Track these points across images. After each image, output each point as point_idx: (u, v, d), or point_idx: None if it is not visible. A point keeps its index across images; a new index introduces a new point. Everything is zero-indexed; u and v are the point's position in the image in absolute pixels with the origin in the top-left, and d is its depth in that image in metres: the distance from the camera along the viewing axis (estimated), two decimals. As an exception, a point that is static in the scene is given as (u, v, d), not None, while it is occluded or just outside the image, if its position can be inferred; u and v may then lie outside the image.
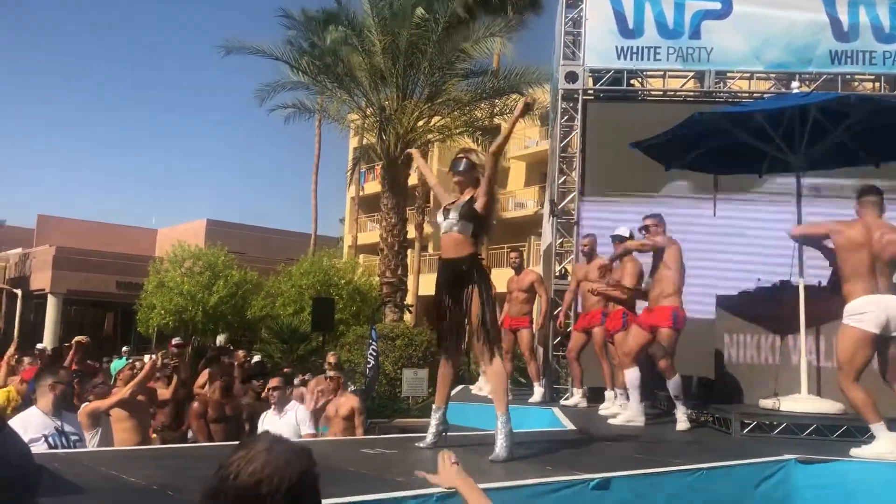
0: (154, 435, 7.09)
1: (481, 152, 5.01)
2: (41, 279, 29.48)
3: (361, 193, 34.09)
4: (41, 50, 72.13)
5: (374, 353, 11.40)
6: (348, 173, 24.61)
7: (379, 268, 19.04)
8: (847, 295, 5.07)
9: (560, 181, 9.76)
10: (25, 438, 3.64)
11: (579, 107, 9.60)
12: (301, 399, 7.39)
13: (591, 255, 8.36)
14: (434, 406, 4.98)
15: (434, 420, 4.89)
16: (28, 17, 70.39)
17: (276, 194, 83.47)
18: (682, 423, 6.50)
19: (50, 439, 4.74)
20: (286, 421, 6.48)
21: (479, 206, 4.60)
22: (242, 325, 24.34)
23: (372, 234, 34.23)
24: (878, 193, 5.30)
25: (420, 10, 16.45)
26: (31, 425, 4.70)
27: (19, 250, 32.91)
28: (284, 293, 23.30)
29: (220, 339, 25.00)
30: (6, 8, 63.00)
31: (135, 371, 6.70)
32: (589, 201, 9.46)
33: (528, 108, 4.94)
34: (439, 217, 4.79)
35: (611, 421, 6.96)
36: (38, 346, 11.97)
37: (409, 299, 21.26)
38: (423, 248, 30.74)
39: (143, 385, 6.36)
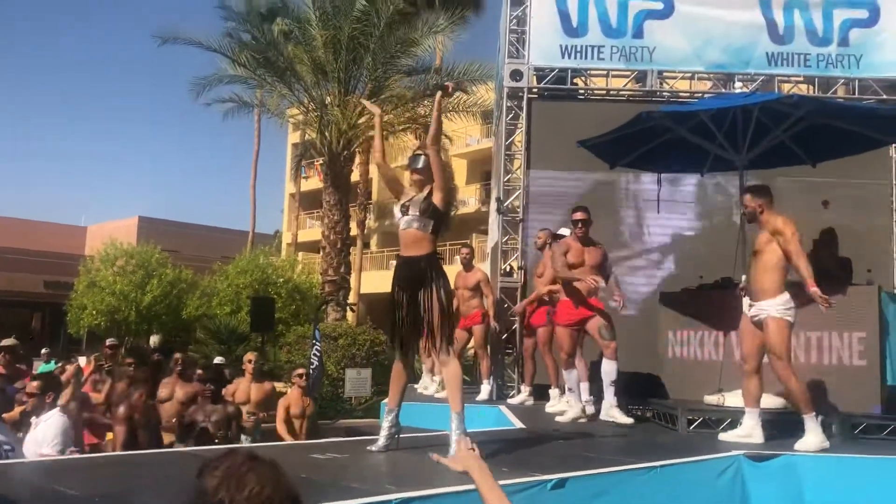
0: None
1: (443, 149, 5.05)
2: (-37, 278, 28.28)
3: (301, 190, 33.63)
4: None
5: (318, 354, 11.21)
6: (289, 170, 24.25)
7: (321, 266, 18.79)
8: (771, 288, 5.23)
9: (505, 179, 9.75)
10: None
11: (524, 105, 9.60)
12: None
13: (544, 248, 8.35)
14: (387, 408, 4.87)
15: (386, 423, 4.79)
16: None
17: (213, 191, 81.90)
18: (616, 415, 6.59)
19: (-24, 450, 4.50)
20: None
21: (436, 200, 4.60)
22: (178, 326, 23.77)
23: (312, 231, 33.85)
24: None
25: (361, 4, 16.26)
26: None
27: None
28: (221, 292, 22.83)
29: (155, 339, 24.36)
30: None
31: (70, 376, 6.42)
32: (533, 198, 9.47)
33: (445, 91, 4.94)
34: (397, 213, 4.73)
35: (558, 419, 6.96)
36: None
37: (352, 298, 21.06)
38: (366, 245, 30.51)
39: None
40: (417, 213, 4.59)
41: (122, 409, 6.33)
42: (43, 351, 11.55)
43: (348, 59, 16.71)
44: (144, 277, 22.84)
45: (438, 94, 4.84)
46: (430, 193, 4.63)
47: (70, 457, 5.43)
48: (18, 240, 29.85)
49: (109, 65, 76.33)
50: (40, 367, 8.65)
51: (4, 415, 5.46)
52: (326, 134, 17.07)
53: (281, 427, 7.80)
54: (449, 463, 2.30)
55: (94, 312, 22.29)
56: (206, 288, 23.70)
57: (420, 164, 4.70)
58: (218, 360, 9.97)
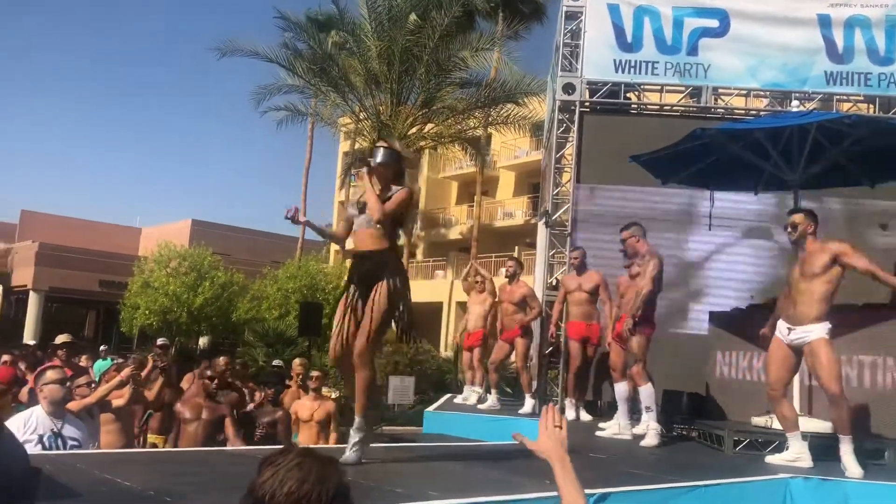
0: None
1: (401, 143, 4.68)
2: (23, 275, 29.17)
3: (349, 198, 33.96)
4: (29, 45, 71.58)
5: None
6: (338, 178, 24.53)
7: (367, 274, 18.94)
8: (819, 315, 5.17)
9: (554, 192, 9.76)
10: (20, 439, 3.56)
11: (576, 118, 9.61)
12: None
13: (581, 267, 8.33)
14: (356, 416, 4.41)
15: (354, 429, 4.36)
16: (21, 19, 69.91)
17: (263, 197, 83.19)
18: (650, 437, 6.25)
19: (45, 440, 4.64)
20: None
21: (387, 206, 4.25)
22: (227, 328, 24.17)
23: (360, 239, 34.10)
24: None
25: (414, 17, 16.45)
26: (30, 425, 4.60)
27: (1, 245, 32.55)
28: (270, 296, 23.16)
29: (203, 340, 24.80)
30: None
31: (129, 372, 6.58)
32: (583, 210, 9.45)
33: (369, 168, 4.35)
34: (352, 210, 4.46)
35: (598, 433, 6.92)
36: (29, 342, 11.69)
37: (397, 306, 21.18)
38: (412, 255, 30.69)
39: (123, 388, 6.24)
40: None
41: (185, 408, 6.44)
42: (102, 348, 11.89)
43: (401, 69, 16.89)
44: (197, 279, 23.28)
45: (364, 172, 4.37)
46: (389, 197, 4.29)
47: (132, 451, 5.60)
48: (76, 239, 30.69)
49: (164, 71, 78.25)
50: (97, 363, 8.89)
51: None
52: (377, 144, 17.23)
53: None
54: (531, 446, 2.16)
55: (147, 312, 22.79)
56: (256, 292, 24.05)
57: (381, 158, 4.34)
58: (276, 363, 10.11)
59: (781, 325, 5.40)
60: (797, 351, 5.26)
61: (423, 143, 18.73)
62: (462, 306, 25.36)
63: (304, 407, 7.39)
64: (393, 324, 4.41)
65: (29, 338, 24.21)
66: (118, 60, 75.64)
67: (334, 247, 35.85)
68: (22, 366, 8.30)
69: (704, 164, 7.37)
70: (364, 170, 4.34)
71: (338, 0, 17.31)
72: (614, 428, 6.83)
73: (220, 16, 75.91)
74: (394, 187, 4.35)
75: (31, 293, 28.48)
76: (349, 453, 4.25)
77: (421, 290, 30.30)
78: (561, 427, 2.06)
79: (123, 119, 79.44)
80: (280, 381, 8.84)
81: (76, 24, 72.39)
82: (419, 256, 33.30)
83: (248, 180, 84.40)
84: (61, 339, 8.32)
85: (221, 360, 7.22)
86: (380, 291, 4.21)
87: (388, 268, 4.29)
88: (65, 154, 79.13)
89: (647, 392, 6.29)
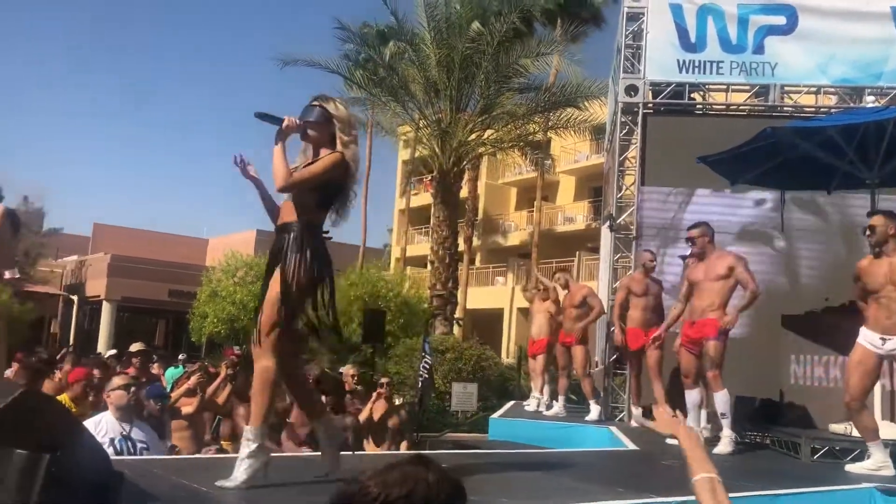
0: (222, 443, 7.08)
1: (341, 102, 3.86)
2: (96, 286, 30.15)
3: (410, 206, 34.20)
4: (98, 63, 74.19)
5: (428, 366, 11.36)
6: (399, 186, 24.68)
7: (429, 280, 19.05)
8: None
9: (618, 196, 9.63)
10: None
11: (639, 120, 9.47)
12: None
13: (649, 271, 8.24)
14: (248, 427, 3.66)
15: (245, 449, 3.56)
16: (85, 35, 72.59)
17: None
18: (724, 444, 6.06)
19: (116, 444, 4.79)
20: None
21: (301, 173, 3.63)
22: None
23: (420, 246, 34.32)
24: None
25: (476, 25, 16.48)
26: (100, 429, 4.75)
27: (75, 257, 33.75)
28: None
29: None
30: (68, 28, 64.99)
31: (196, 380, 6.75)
32: (647, 215, 9.30)
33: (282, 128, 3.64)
34: None
35: (669, 441, 6.77)
36: (111, 352, 12.06)
37: (459, 313, 21.21)
38: (472, 261, 30.70)
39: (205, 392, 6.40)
40: None
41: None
42: (180, 356, 12.20)
43: (461, 77, 16.94)
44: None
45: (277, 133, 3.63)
46: (312, 162, 3.69)
47: (205, 456, 5.72)
48: (145, 250, 31.57)
49: (225, 84, 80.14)
50: (168, 370, 9.14)
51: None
52: (437, 151, 17.34)
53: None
54: (655, 427, 2.30)
55: (216, 320, 23.25)
56: (319, 300, 24.35)
57: (314, 117, 3.70)
58: (347, 368, 10.21)
59: (871, 336, 5.14)
60: (887, 361, 5.07)
61: (482, 150, 18.75)
62: (523, 312, 25.22)
63: (376, 414, 7.46)
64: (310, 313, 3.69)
65: (103, 347, 25.02)
66: (178, 77, 77.83)
67: (395, 253, 36.15)
68: (97, 373, 8.56)
69: (775, 164, 7.19)
70: (276, 130, 3.61)
71: (396, 10, 17.55)
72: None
73: (276, 30, 77.43)
74: (324, 152, 3.71)
75: (105, 303, 29.41)
76: (236, 472, 3.48)
77: (481, 297, 30.28)
78: (676, 415, 2.24)
79: (187, 134, 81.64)
80: (339, 388, 8.93)
81: (138, 40, 74.76)
82: (478, 262, 33.27)
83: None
84: (135, 347, 8.59)
85: (349, 371, 7.34)
86: (277, 272, 3.58)
87: (294, 244, 3.57)
88: (133, 167, 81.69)
89: (723, 398, 6.09)
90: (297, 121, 3.65)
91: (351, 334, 19.84)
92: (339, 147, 3.69)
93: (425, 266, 31.13)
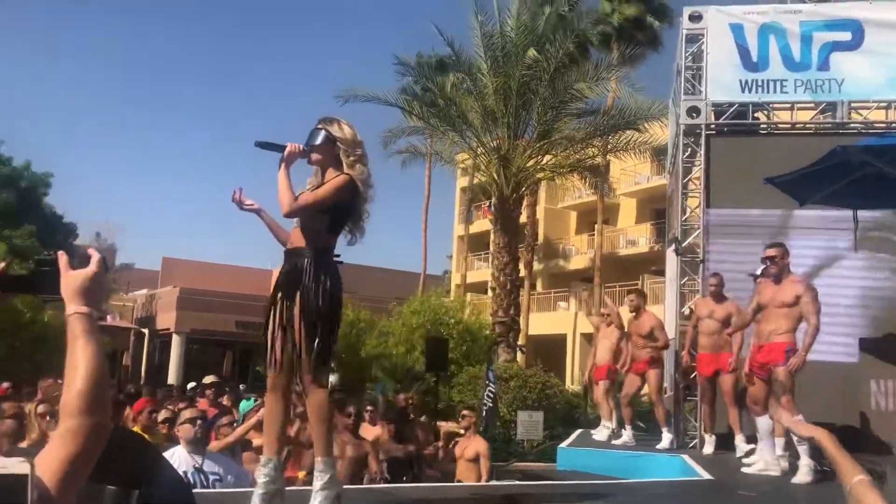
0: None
1: (346, 123, 3.75)
2: (166, 319, 30.93)
3: (468, 232, 34.29)
4: (166, 90, 76.80)
5: (492, 394, 11.30)
6: (458, 213, 24.79)
7: (491, 307, 19.02)
8: None
9: (683, 218, 9.49)
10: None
11: (702, 141, 9.35)
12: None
13: (717, 295, 8.05)
14: (263, 457, 3.72)
15: (261, 477, 3.59)
16: (149, 63, 75.35)
17: (384, 234, 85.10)
18: (802, 473, 5.84)
19: (189, 477, 4.85)
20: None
21: (307, 197, 3.60)
22: (357, 364, 24.69)
23: (479, 272, 34.32)
24: None
25: (532, 52, 16.56)
26: (174, 462, 4.84)
27: (145, 291, 34.77)
28: (396, 332, 23.54)
29: (333, 378, 25.40)
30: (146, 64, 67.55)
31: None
32: (715, 232, 9.13)
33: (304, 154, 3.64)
34: None
35: (744, 469, 6.60)
36: (191, 385, 12.30)
37: (521, 339, 21.09)
38: (532, 286, 30.53)
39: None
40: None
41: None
42: (241, 387, 12.39)
43: (518, 104, 17.01)
44: (325, 318, 23.94)
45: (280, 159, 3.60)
46: (320, 185, 3.67)
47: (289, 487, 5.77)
48: (212, 282, 32.29)
49: (287, 117, 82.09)
50: (242, 403, 9.29)
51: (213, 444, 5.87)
52: (496, 178, 17.39)
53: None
54: (799, 429, 2.38)
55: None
56: (383, 328, 24.50)
57: (317, 140, 3.67)
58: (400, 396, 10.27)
59: None
60: None
61: (541, 175, 18.73)
62: (587, 338, 24.92)
63: (458, 444, 7.50)
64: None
65: (173, 379, 25.64)
66: (237, 109, 79.95)
67: (455, 280, 36.22)
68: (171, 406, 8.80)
69: (845, 183, 7.02)
70: (279, 158, 3.59)
71: (452, 41, 17.76)
72: (760, 464, 6.50)
73: (336, 66, 79.03)
74: (331, 174, 3.68)
75: (174, 336, 30.15)
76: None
77: (543, 323, 30.04)
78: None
79: (248, 165, 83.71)
80: (403, 416, 8.95)
81: (207, 77, 77.21)
82: (539, 288, 33.08)
83: (370, 216, 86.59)
84: (208, 379, 8.79)
85: (401, 397, 7.40)
86: (304, 301, 3.51)
87: (312, 272, 3.53)
88: (200, 202, 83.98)
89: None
90: (300, 147, 3.62)
91: (414, 363, 19.91)
92: (345, 168, 3.65)
93: (485, 292, 31.10)
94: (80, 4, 71.80)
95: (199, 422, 5.06)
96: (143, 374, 28.45)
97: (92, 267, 1.66)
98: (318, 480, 3.51)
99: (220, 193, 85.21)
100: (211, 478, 4.91)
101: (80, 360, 1.49)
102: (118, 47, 74.53)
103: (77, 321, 1.55)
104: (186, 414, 5.11)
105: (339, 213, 3.63)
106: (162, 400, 9.47)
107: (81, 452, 1.43)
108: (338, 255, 3.70)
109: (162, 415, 5.97)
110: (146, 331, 30.57)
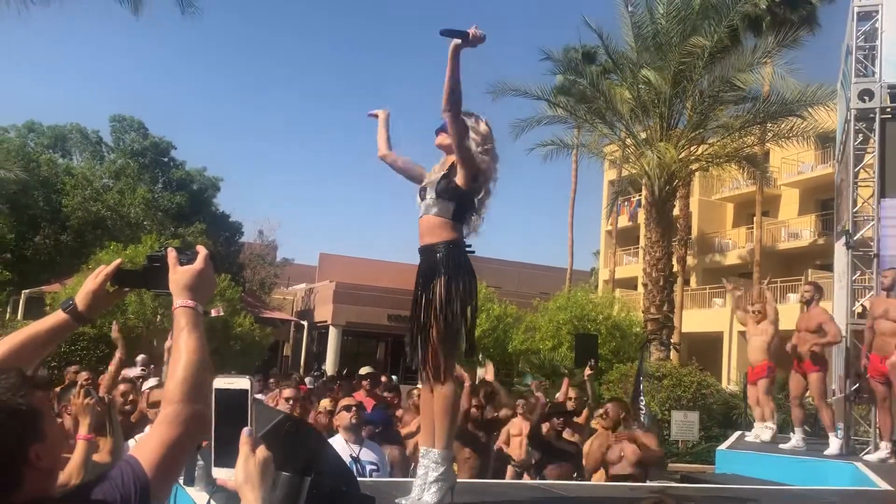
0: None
1: (483, 118, 3.79)
2: (324, 312, 32.38)
3: (617, 227, 33.57)
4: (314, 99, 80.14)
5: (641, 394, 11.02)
6: (605, 207, 24.37)
7: (643, 304, 18.55)
8: None
9: (854, 210, 8.87)
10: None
11: (876, 127, 8.69)
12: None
13: (890, 291, 7.46)
14: (422, 449, 3.73)
15: (421, 467, 3.64)
16: (308, 77, 78.76)
17: (530, 229, 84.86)
18: None
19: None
20: None
21: (458, 179, 3.63)
22: (503, 359, 24.82)
23: (628, 267, 33.53)
24: None
25: (695, 38, 15.91)
26: (330, 450, 5.03)
27: (304, 285, 36.58)
28: (542, 328, 23.46)
29: (480, 372, 25.65)
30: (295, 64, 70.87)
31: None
32: (890, 224, 8.47)
33: (465, 40, 3.41)
34: (417, 198, 3.83)
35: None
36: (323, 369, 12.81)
37: (675, 337, 20.43)
38: (686, 282, 29.47)
39: None
40: (434, 196, 3.67)
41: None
42: (382, 378, 12.75)
43: (672, 94, 16.46)
44: (474, 312, 24.25)
45: (452, 43, 3.43)
46: (451, 170, 3.67)
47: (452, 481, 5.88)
48: (365, 277, 33.45)
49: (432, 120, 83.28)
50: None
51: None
52: (648, 170, 16.92)
53: None
54: None
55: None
56: (530, 323, 24.50)
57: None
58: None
59: None
60: None
61: (696, 166, 18.05)
62: (745, 335, 23.74)
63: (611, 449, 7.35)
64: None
65: (330, 368, 26.83)
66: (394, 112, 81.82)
67: (602, 276, 35.60)
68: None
69: None
70: (456, 44, 3.43)
71: (601, 31, 17.42)
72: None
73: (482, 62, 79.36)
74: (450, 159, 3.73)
75: (331, 328, 31.50)
76: (425, 494, 3.51)
77: (698, 320, 28.90)
78: None
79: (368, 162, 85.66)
80: (562, 411, 8.85)
81: (356, 89, 79.90)
82: (693, 283, 31.88)
83: (515, 211, 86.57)
84: (364, 370, 9.13)
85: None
86: (439, 295, 3.61)
87: (447, 263, 3.64)
88: (352, 198, 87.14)
89: None
90: (482, 34, 3.43)
91: (562, 359, 19.76)
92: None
93: (634, 288, 30.32)
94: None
95: (353, 409, 5.08)
96: (302, 363, 29.88)
97: (199, 263, 1.74)
98: (433, 472, 3.53)
99: (372, 195, 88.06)
100: (368, 467, 4.96)
101: (182, 351, 1.57)
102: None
103: (182, 314, 1.64)
104: (343, 402, 5.17)
105: (464, 200, 3.67)
106: (320, 388, 9.93)
107: (178, 439, 1.48)
108: (469, 246, 3.74)
109: (323, 404, 6.21)
110: (305, 323, 32.10)
